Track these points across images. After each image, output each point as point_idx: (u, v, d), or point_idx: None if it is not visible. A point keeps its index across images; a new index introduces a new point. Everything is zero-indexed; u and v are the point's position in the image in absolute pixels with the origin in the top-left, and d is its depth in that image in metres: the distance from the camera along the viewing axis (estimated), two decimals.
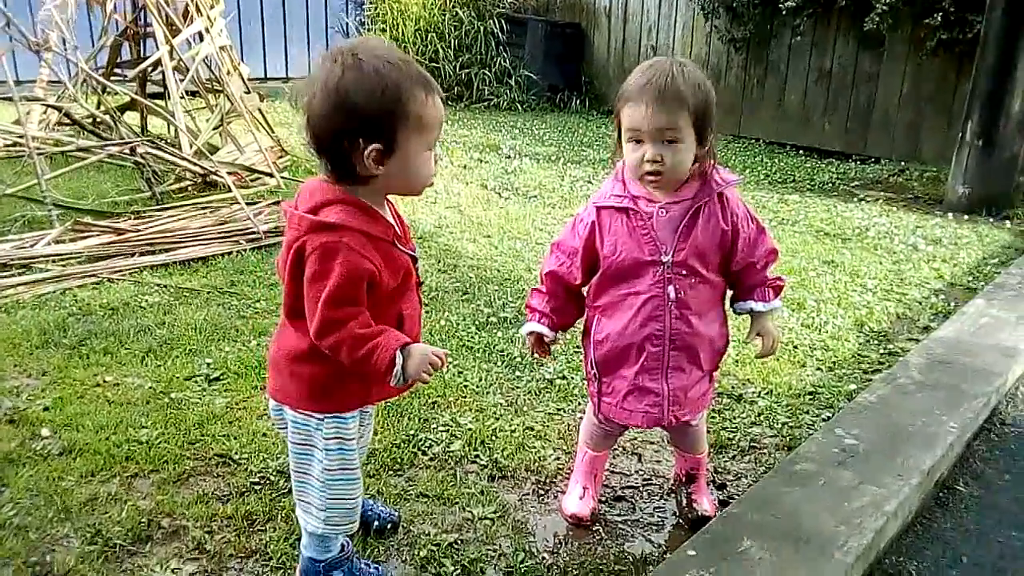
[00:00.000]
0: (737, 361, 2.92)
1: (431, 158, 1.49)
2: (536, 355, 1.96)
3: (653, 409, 1.84)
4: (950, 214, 5.41)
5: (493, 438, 2.35)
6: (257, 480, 2.08)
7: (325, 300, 1.40)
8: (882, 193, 6.06)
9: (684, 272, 1.76)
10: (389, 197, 1.58)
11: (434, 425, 2.40)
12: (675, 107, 1.65)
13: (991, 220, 5.30)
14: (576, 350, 2.95)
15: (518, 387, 2.69)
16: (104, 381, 2.55)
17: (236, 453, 2.19)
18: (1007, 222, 5.26)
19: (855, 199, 5.83)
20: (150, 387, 2.52)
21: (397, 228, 1.53)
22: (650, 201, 1.75)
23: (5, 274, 3.34)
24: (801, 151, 7.65)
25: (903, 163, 6.96)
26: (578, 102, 9.69)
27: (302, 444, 1.60)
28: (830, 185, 6.33)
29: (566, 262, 1.85)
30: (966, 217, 5.35)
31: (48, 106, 5.12)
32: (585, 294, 1.92)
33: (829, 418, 2.50)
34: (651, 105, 1.65)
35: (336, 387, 1.54)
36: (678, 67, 1.68)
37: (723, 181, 1.77)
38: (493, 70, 9.54)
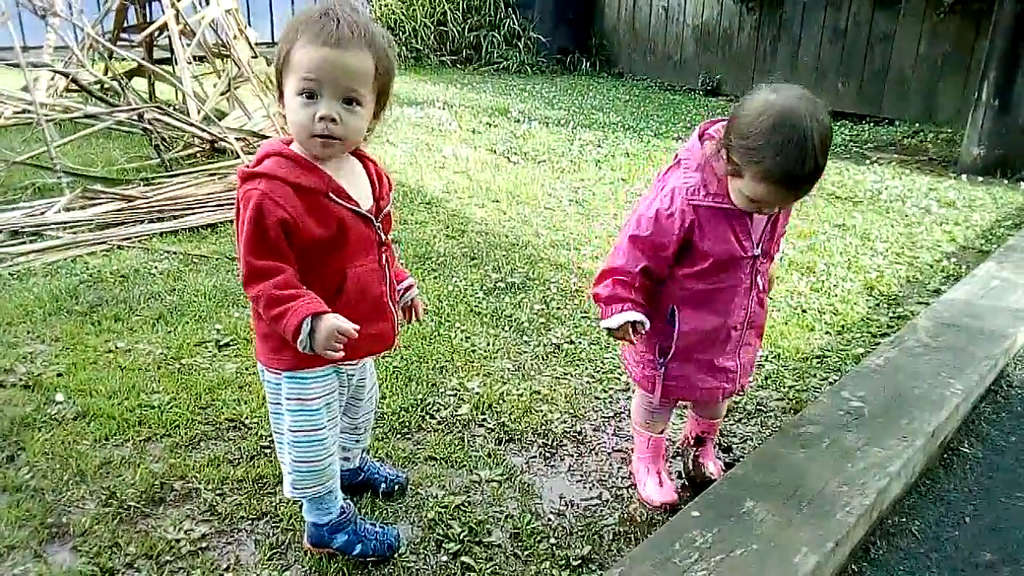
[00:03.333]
0: None
1: (304, 106, 1.39)
2: (631, 343, 1.84)
3: (728, 384, 1.89)
4: (964, 176, 5.35)
5: (500, 402, 2.37)
6: (267, 444, 2.11)
7: (244, 248, 1.41)
8: (895, 155, 5.99)
9: (766, 260, 1.82)
10: (368, 155, 1.59)
11: (442, 389, 2.42)
12: (809, 190, 1.64)
13: (1006, 182, 5.24)
14: (583, 316, 2.96)
15: (525, 352, 2.70)
16: (116, 347, 2.58)
17: (246, 418, 2.22)
18: (1022, 184, 5.19)
19: (868, 161, 5.76)
20: (161, 353, 2.55)
21: (347, 185, 1.49)
22: None
23: (16, 242, 3.37)
24: None
25: (918, 125, 6.87)
26: (588, 64, 9.59)
27: (273, 403, 1.62)
28: (843, 148, 6.26)
29: (653, 258, 1.78)
30: (980, 179, 5.29)
31: (55, 72, 5.12)
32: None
33: (836, 381, 2.50)
34: (788, 195, 1.63)
35: (285, 344, 1.49)
36: (817, 143, 1.55)
37: None
38: (502, 32, 9.44)
